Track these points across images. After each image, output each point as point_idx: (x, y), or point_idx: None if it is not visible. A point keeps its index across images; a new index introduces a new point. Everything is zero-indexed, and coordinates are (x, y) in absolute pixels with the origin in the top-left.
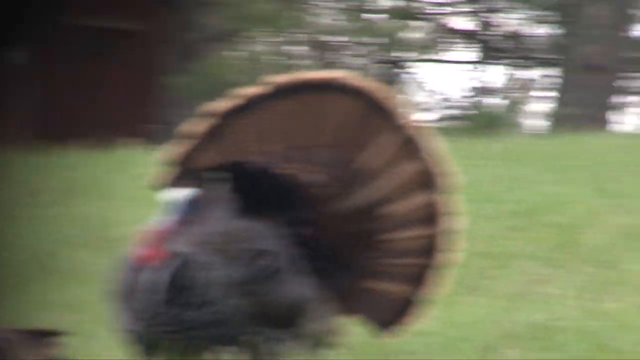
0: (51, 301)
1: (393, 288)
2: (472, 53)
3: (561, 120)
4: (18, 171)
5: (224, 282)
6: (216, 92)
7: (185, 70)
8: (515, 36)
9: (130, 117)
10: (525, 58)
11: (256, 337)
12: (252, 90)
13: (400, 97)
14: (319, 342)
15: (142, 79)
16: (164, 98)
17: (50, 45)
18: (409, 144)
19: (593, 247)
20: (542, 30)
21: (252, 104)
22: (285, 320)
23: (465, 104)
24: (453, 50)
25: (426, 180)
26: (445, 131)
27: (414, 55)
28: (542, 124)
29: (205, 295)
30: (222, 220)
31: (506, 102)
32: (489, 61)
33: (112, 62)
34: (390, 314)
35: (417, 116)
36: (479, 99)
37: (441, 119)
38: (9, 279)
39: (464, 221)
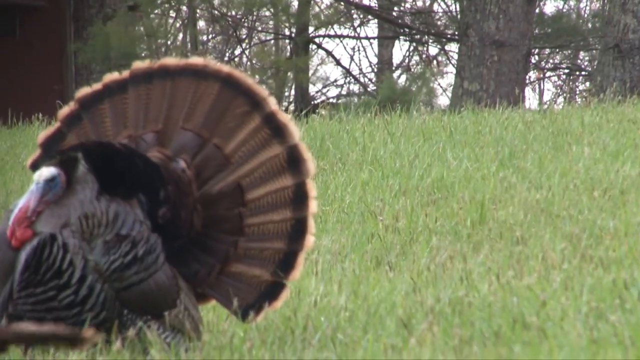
0: None
1: (257, 272)
2: (376, 28)
3: (463, 96)
4: None
5: (85, 265)
6: (117, 67)
7: (87, 45)
8: (419, 12)
9: (36, 93)
10: (429, 33)
11: (122, 322)
12: (110, 77)
13: (257, 82)
14: (183, 328)
15: (46, 55)
16: (68, 74)
17: None
18: (273, 129)
19: (508, 223)
20: (445, 5)
21: (111, 89)
22: (147, 307)
23: (369, 79)
24: (358, 25)
25: (291, 165)
26: (350, 107)
27: (320, 30)
28: (445, 100)
29: (65, 277)
30: (85, 201)
31: (409, 77)
32: (393, 36)
33: (17, 38)
34: (254, 298)
35: (276, 101)
36: (383, 74)
37: (346, 95)
38: None
39: (315, 204)
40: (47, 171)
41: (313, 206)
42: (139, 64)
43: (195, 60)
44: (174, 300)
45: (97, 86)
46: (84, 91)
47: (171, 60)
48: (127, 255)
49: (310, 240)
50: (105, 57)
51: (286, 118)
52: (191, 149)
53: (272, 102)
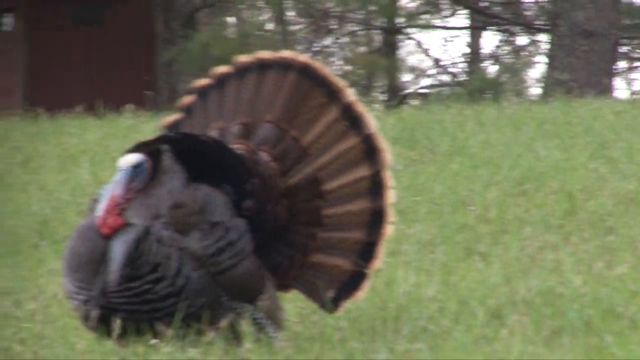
0: (47, 268)
1: (338, 262)
2: (466, 19)
3: (554, 85)
4: (12, 138)
5: (181, 255)
6: (209, 60)
7: (179, 37)
8: (509, 2)
9: (125, 83)
10: (518, 23)
11: (217, 310)
12: (220, 70)
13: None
14: (273, 314)
15: (136, 46)
16: (158, 65)
17: (39, 11)
18: (351, 120)
19: (598, 213)
20: None
21: (219, 82)
22: (241, 292)
23: (460, 69)
24: (447, 16)
25: (367, 156)
26: (440, 97)
27: (409, 21)
28: (536, 89)
29: (162, 270)
30: (174, 191)
31: (500, 67)
32: (483, 27)
33: (105, 28)
34: (336, 288)
35: (353, 92)
36: (473, 64)
37: (436, 85)
38: (5, 246)
39: (393, 194)
40: (132, 157)
41: (390, 196)
42: (240, 58)
43: (288, 53)
44: (263, 287)
45: (207, 79)
46: (200, 83)
47: (269, 54)
48: (220, 240)
49: (389, 229)
50: (201, 63)
51: (363, 109)
52: (271, 141)
53: (349, 93)
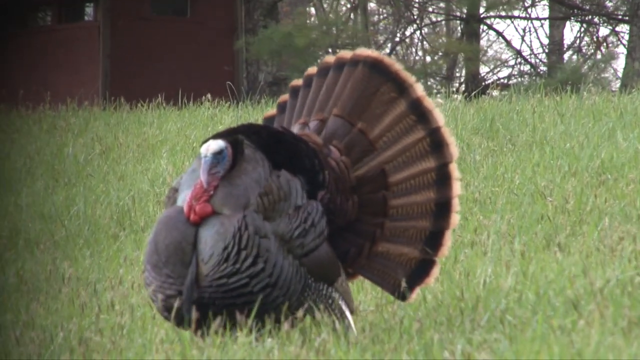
0: (126, 258)
1: (405, 250)
2: (547, 9)
3: (634, 76)
4: (93, 128)
5: (274, 244)
6: (289, 50)
7: (261, 28)
8: None
9: (207, 74)
10: (600, 14)
11: (304, 295)
12: (309, 71)
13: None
14: (348, 296)
15: (217, 36)
16: (240, 55)
17: (121, 1)
18: (419, 116)
19: None
20: None
21: (307, 82)
22: (323, 274)
23: (540, 60)
24: (529, 6)
25: (434, 149)
26: (521, 87)
27: (490, 11)
28: (616, 80)
29: (261, 260)
30: (261, 179)
31: (581, 58)
32: (563, 17)
33: (188, 18)
34: (405, 275)
35: (422, 87)
36: (553, 55)
37: (517, 75)
38: (86, 235)
39: (459, 186)
40: (214, 144)
41: (457, 187)
42: (325, 58)
43: (347, 52)
44: (339, 269)
45: (299, 80)
46: (294, 82)
47: (343, 53)
48: (305, 222)
49: (455, 218)
50: (273, 53)
51: (431, 104)
52: (340, 134)
53: (418, 89)
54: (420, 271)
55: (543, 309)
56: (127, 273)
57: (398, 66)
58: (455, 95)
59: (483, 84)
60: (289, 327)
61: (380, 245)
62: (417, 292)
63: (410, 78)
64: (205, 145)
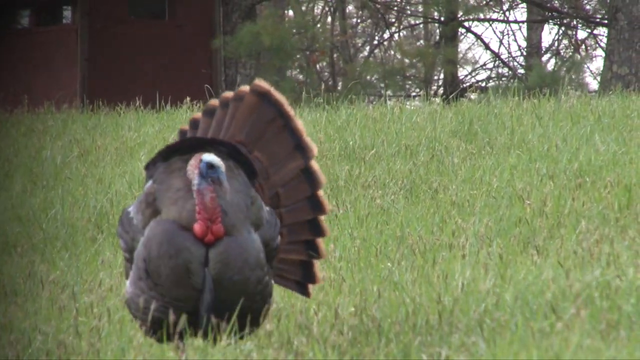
0: (104, 260)
1: (294, 256)
2: (524, 12)
3: (612, 79)
4: (71, 131)
5: (264, 255)
6: (267, 51)
7: (237, 33)
8: None
9: (185, 76)
10: (578, 17)
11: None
12: (225, 95)
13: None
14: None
15: (195, 39)
16: (217, 58)
17: (98, 4)
18: (298, 145)
19: None
20: None
21: (223, 104)
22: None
23: (518, 63)
24: (507, 9)
25: (307, 176)
26: (499, 90)
27: (468, 14)
28: (593, 83)
29: (263, 272)
30: (248, 191)
31: (558, 61)
32: (541, 20)
33: (166, 21)
34: (299, 277)
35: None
36: (532, 58)
37: (494, 78)
38: (64, 237)
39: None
40: (216, 158)
41: (326, 208)
42: (243, 87)
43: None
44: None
45: (216, 100)
46: (209, 103)
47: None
48: (276, 225)
49: (326, 230)
50: (251, 50)
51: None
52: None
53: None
54: (309, 270)
55: (521, 312)
56: (106, 276)
57: (281, 97)
58: (434, 98)
59: (461, 86)
60: (271, 327)
61: (280, 254)
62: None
63: (292, 111)
64: (209, 158)
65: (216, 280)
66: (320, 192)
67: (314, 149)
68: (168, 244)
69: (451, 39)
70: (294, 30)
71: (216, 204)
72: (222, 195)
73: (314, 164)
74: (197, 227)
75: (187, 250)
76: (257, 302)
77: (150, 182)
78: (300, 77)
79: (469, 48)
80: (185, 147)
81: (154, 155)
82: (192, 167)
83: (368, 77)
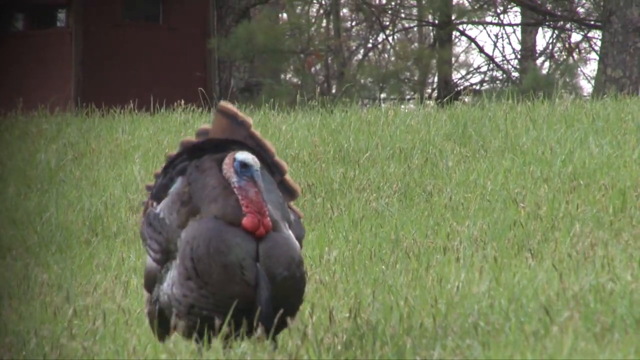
0: (99, 263)
1: None
2: (518, 15)
3: (606, 82)
4: (66, 134)
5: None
6: (261, 52)
7: (233, 32)
8: None
9: (179, 80)
10: (572, 20)
11: None
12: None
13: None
14: None
15: (189, 42)
16: (211, 61)
17: (93, 7)
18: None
19: None
20: None
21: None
22: None
23: (512, 66)
24: (501, 12)
25: (281, 184)
26: (493, 94)
27: (462, 17)
28: (587, 86)
29: (304, 266)
30: (274, 190)
31: (552, 64)
32: (535, 23)
33: (160, 24)
34: None
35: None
36: (526, 61)
37: (489, 81)
38: (58, 241)
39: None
40: (251, 158)
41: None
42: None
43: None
44: None
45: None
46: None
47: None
48: (301, 224)
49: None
50: (244, 53)
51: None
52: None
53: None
54: None
55: (516, 315)
56: (101, 279)
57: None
58: (428, 101)
59: (455, 90)
60: (260, 333)
61: None
62: None
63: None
64: (246, 156)
65: (268, 276)
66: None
67: (286, 166)
68: (218, 241)
69: (445, 42)
70: (289, 33)
71: (260, 199)
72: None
73: (288, 177)
74: (247, 220)
75: (238, 246)
76: (301, 298)
77: (179, 182)
78: (295, 80)
79: (463, 51)
80: (210, 147)
81: (172, 157)
82: (227, 166)
83: (362, 81)
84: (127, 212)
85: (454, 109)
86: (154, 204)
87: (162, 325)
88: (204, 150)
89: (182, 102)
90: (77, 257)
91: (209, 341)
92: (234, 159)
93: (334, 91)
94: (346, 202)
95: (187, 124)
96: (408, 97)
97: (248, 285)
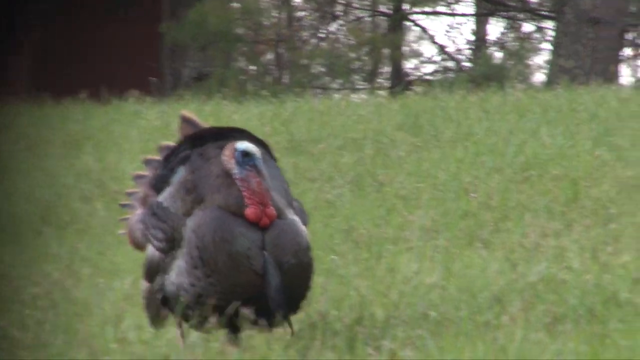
0: (51, 253)
1: None
2: (471, 5)
3: (559, 73)
4: (17, 123)
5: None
6: (210, 39)
7: (182, 19)
8: None
9: (132, 70)
10: (524, 10)
11: None
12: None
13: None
14: None
15: (140, 31)
16: (163, 49)
17: None
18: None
19: (602, 200)
20: None
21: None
22: None
23: (464, 57)
24: (453, 2)
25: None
26: (444, 84)
27: (415, 7)
28: (540, 76)
29: (311, 252)
30: (277, 176)
31: (504, 54)
32: (488, 14)
33: (113, 14)
34: None
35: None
36: (478, 51)
37: (440, 72)
38: (9, 230)
39: None
40: (252, 147)
41: None
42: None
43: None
44: None
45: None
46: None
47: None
48: (303, 210)
49: None
50: (194, 37)
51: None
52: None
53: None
54: None
55: (467, 305)
56: (52, 269)
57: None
58: (380, 91)
59: (407, 79)
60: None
61: None
62: None
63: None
64: (246, 146)
65: (277, 264)
66: None
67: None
68: (223, 230)
69: (397, 31)
70: (239, 18)
71: (263, 188)
72: (264, 180)
73: None
74: (250, 211)
75: (243, 236)
76: (309, 285)
77: (183, 171)
78: (247, 68)
79: (415, 41)
80: (211, 135)
81: (174, 147)
82: (227, 157)
83: (313, 71)
84: (79, 202)
85: (406, 99)
86: (154, 193)
87: (162, 314)
88: (206, 139)
89: (134, 91)
90: (29, 247)
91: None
92: (235, 149)
93: (285, 81)
94: (298, 193)
95: (139, 113)
96: (360, 86)
97: (256, 274)
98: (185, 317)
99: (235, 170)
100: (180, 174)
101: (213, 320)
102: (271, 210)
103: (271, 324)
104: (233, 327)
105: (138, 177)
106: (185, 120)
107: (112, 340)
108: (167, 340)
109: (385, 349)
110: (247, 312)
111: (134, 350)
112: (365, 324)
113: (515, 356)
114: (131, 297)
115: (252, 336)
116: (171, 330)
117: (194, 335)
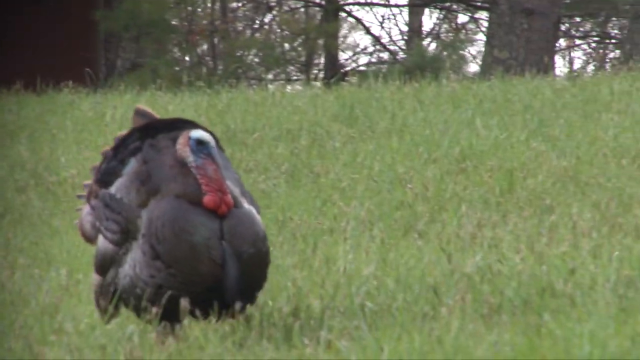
0: None
1: None
2: None
3: (493, 64)
4: None
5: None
6: (144, 28)
7: (113, 12)
8: None
9: (65, 60)
10: (459, 1)
11: None
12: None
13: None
14: None
15: (75, 22)
16: (97, 41)
17: None
18: None
19: (537, 191)
20: None
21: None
22: None
23: (399, 47)
24: None
25: None
26: (379, 74)
27: None
28: (475, 67)
29: (268, 241)
30: (229, 167)
31: (439, 44)
32: (423, 4)
33: (44, 4)
34: None
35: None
36: (412, 42)
37: (375, 63)
38: None
39: None
40: (206, 135)
41: None
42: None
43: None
44: None
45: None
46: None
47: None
48: (254, 200)
49: None
50: (128, 25)
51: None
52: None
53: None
54: None
55: (403, 296)
56: None
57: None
58: (315, 82)
59: (342, 70)
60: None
61: None
62: None
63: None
64: (200, 134)
65: (235, 254)
66: None
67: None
68: (182, 220)
69: (331, 22)
70: (173, 6)
71: (220, 176)
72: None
73: None
74: (209, 199)
75: (203, 226)
76: (266, 275)
77: (134, 162)
78: (181, 59)
79: (350, 32)
80: (162, 126)
81: (123, 137)
82: (182, 146)
83: (248, 61)
84: (14, 193)
85: (341, 90)
86: (100, 187)
87: (116, 307)
88: (157, 130)
89: (69, 82)
90: None
91: (178, 321)
92: (189, 138)
93: (219, 72)
94: None
95: (74, 104)
96: (295, 77)
97: (215, 264)
98: (137, 311)
99: (190, 158)
100: (132, 164)
101: (153, 310)
102: (229, 198)
103: (226, 314)
104: (170, 317)
105: (95, 169)
106: (139, 113)
107: (48, 331)
108: (103, 330)
109: (322, 339)
110: (184, 302)
111: (70, 341)
112: (301, 315)
113: (451, 347)
114: (67, 287)
115: (188, 327)
116: (109, 321)
117: (131, 326)
